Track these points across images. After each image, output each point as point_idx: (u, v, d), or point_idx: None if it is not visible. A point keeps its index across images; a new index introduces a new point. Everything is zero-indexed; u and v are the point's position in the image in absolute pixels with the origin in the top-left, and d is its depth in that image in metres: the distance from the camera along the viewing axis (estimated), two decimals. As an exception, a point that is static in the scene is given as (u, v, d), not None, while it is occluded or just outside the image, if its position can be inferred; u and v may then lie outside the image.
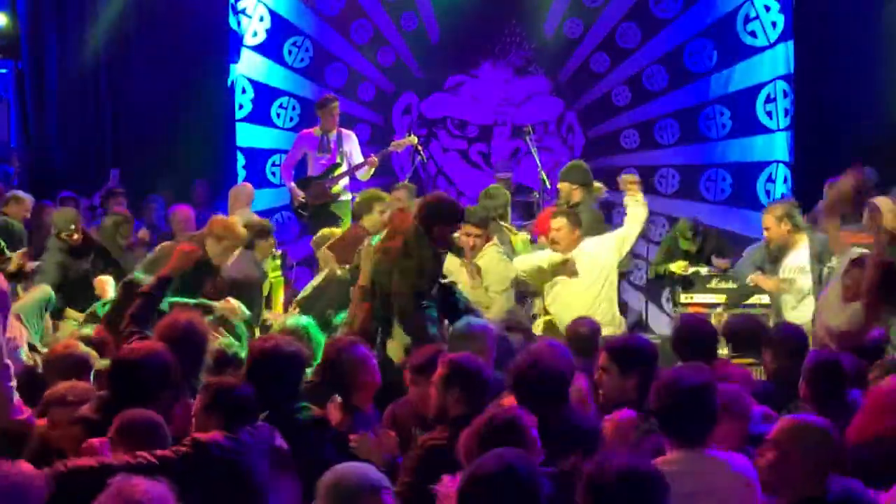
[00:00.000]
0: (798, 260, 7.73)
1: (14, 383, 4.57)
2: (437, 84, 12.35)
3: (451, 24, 12.16)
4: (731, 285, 8.92)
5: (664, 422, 3.83)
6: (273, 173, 12.12)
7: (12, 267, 7.37)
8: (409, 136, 10.34)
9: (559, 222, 7.77)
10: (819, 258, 7.56)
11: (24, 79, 12.23)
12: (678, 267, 9.24)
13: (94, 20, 12.26)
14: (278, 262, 9.04)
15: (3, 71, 12.35)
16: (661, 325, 10.00)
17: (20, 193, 9.66)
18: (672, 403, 3.78)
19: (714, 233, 9.98)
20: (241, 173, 12.22)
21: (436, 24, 12.22)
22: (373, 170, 9.93)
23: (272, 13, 12.21)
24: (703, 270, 9.02)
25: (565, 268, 7.70)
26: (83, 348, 5.25)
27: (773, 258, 7.92)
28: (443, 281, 6.29)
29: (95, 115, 12.42)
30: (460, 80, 12.34)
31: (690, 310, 8.54)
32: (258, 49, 12.26)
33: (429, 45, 12.30)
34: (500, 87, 12.29)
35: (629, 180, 8.08)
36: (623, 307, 9.30)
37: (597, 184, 9.01)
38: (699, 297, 9.27)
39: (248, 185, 10.65)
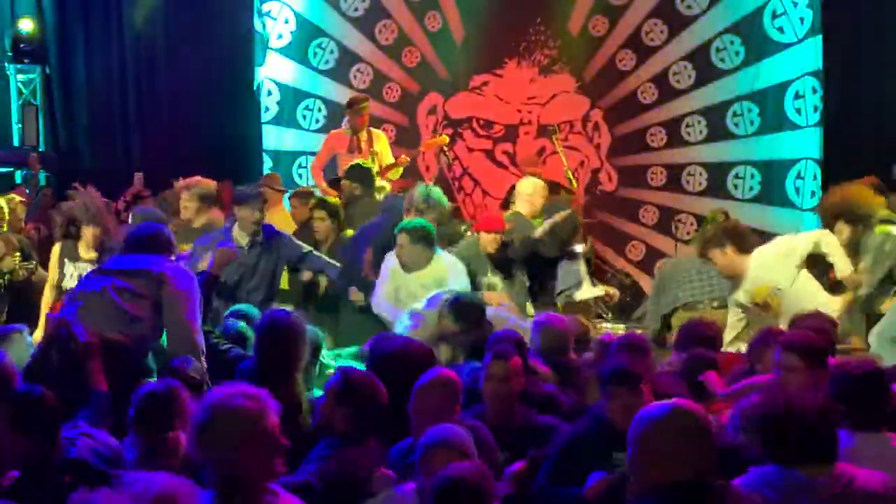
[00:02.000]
0: None
1: None
2: (462, 84, 12.32)
3: (476, 23, 12.15)
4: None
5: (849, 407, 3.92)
6: (300, 175, 12.13)
7: None
8: (441, 135, 10.32)
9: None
10: None
11: (52, 84, 12.30)
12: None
13: (121, 25, 12.31)
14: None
15: (32, 76, 12.42)
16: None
17: None
18: (854, 390, 3.97)
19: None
20: (268, 175, 12.23)
21: (460, 24, 12.20)
22: (402, 169, 9.90)
23: (297, 15, 12.23)
24: None
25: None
26: None
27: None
28: None
29: (122, 120, 12.49)
30: (485, 79, 12.30)
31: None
32: (283, 51, 12.28)
33: (453, 45, 12.28)
34: (525, 86, 12.25)
35: None
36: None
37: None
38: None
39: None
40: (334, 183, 9.94)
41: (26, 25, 12.13)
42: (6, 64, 12.25)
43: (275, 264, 7.35)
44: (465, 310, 5.60)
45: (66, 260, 7.02)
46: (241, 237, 7.27)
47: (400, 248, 7.00)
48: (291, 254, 7.42)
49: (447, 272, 6.97)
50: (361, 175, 8.47)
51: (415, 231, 6.96)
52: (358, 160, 8.86)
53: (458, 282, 6.83)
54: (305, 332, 4.86)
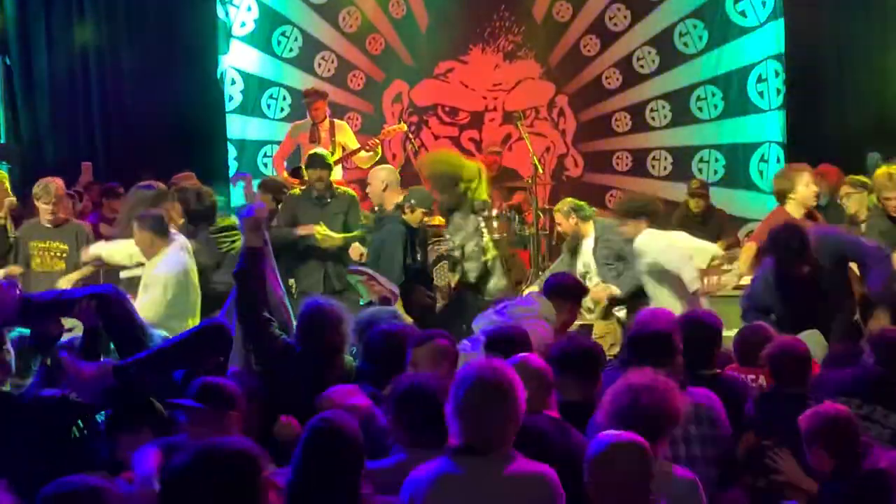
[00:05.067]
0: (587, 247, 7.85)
1: None
2: (427, 71, 12.31)
3: (440, 10, 12.13)
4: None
5: None
6: (265, 164, 12.09)
7: None
8: (399, 123, 10.31)
9: None
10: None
11: (13, 75, 12.17)
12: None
13: (82, 15, 12.20)
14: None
15: (-8, 67, 12.29)
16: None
17: None
18: None
19: (719, 212, 9.96)
20: (233, 165, 12.19)
21: (424, 11, 12.18)
22: (377, 157, 9.80)
23: (259, 3, 12.16)
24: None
25: None
26: None
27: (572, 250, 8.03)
28: None
29: (85, 110, 12.36)
30: (450, 66, 12.30)
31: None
32: (246, 40, 12.21)
33: (418, 31, 12.26)
34: (490, 72, 12.26)
35: None
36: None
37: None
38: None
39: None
40: (296, 172, 9.91)
41: (-13, 16, 12.00)
42: (-33, 55, 12.11)
43: None
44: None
45: None
46: None
47: None
48: None
49: None
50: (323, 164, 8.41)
51: None
52: (317, 149, 8.81)
53: None
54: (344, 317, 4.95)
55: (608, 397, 3.72)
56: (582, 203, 8.05)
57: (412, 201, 7.62)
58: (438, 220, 8.15)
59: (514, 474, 3.38)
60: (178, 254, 6.82)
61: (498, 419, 3.40)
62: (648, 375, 3.73)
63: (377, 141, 9.74)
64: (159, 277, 6.66)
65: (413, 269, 7.61)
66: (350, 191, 8.53)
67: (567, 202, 8.04)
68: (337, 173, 9.83)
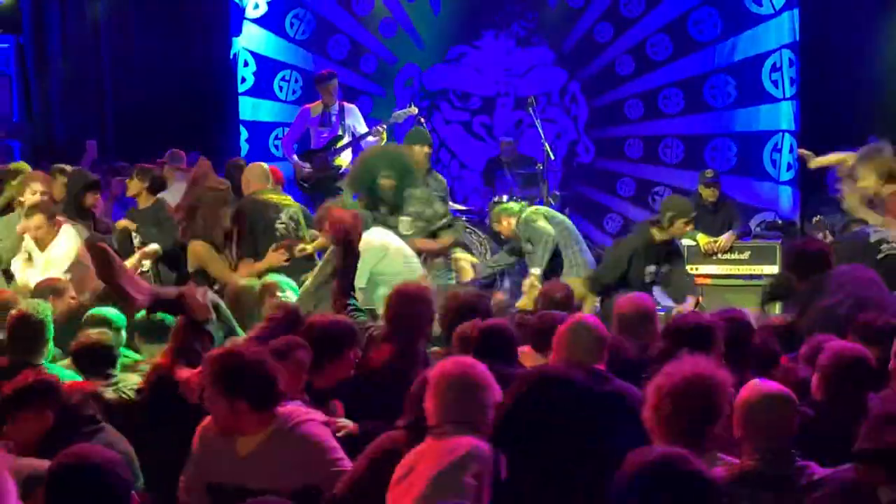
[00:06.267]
0: None
1: None
2: (439, 55, 12.28)
3: (454, -6, 12.11)
4: (740, 256, 8.94)
5: None
6: (276, 146, 12.08)
7: None
8: (410, 106, 10.28)
9: None
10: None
11: (26, 53, 12.18)
12: (701, 239, 9.19)
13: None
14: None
15: (5, 46, 12.29)
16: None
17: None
18: None
19: (730, 202, 9.93)
20: (245, 147, 12.19)
21: (438, -5, 12.16)
22: (383, 142, 9.83)
23: (273, -15, 12.16)
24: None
25: None
26: None
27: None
28: None
29: (97, 90, 12.36)
30: (462, 50, 12.26)
31: (697, 281, 8.47)
32: (260, 22, 12.20)
33: (431, 16, 12.22)
34: (502, 57, 12.22)
35: None
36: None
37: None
38: (705, 269, 9.25)
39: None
40: (307, 155, 9.91)
41: (-1, -4, 11.99)
42: (-21, 34, 12.12)
43: None
44: None
45: None
46: None
47: None
48: None
49: None
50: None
51: None
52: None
53: None
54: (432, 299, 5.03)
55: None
56: (507, 205, 8.37)
57: None
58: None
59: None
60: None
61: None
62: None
63: (382, 127, 9.73)
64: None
65: None
66: None
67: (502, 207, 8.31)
68: (346, 157, 9.86)
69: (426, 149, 8.20)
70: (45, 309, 5.05)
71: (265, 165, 8.03)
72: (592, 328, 4.12)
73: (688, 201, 7.90)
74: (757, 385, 3.57)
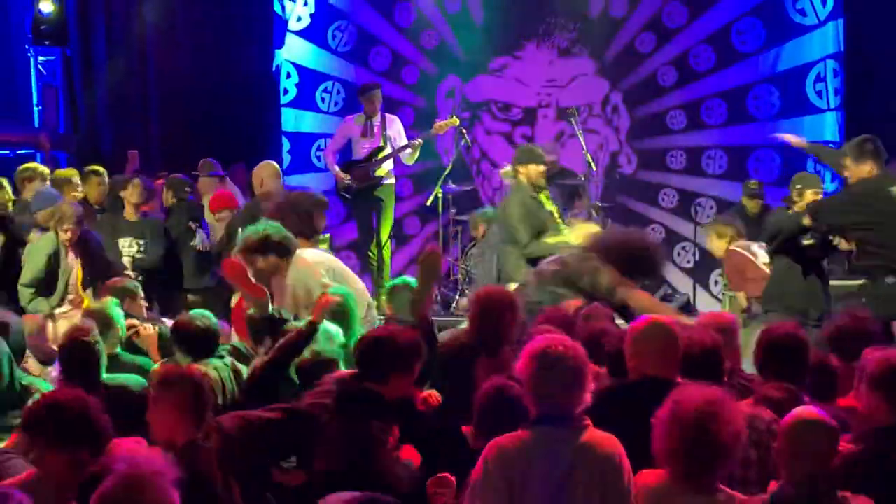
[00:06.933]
0: None
1: None
2: (480, 66, 12.29)
3: (495, 5, 12.13)
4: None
5: None
6: (318, 157, 12.15)
7: None
8: (452, 117, 10.31)
9: None
10: None
11: (72, 65, 12.33)
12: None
13: (141, 6, 12.33)
14: (326, 245, 9.06)
15: (52, 58, 12.45)
16: (709, 309, 9.88)
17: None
18: None
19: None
20: (287, 158, 12.27)
21: (479, 6, 12.16)
22: (417, 153, 9.93)
23: (316, -3, 12.24)
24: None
25: None
26: None
27: None
28: None
29: (142, 102, 12.50)
30: (504, 62, 12.27)
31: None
32: (302, 34, 12.28)
33: (472, 27, 12.25)
34: (544, 68, 12.21)
35: None
36: (672, 290, 9.24)
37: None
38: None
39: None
40: (348, 166, 9.97)
41: (47, 7, 12.14)
42: (27, 46, 12.28)
43: None
44: None
45: None
46: None
47: None
48: None
49: None
50: None
51: None
52: None
53: None
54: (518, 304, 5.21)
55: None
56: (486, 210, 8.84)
57: None
58: None
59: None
60: None
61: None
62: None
63: (418, 141, 9.80)
64: None
65: None
66: None
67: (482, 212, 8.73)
68: (387, 167, 9.92)
69: (541, 167, 8.18)
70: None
71: (275, 164, 8.36)
72: None
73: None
74: (800, 411, 3.58)
